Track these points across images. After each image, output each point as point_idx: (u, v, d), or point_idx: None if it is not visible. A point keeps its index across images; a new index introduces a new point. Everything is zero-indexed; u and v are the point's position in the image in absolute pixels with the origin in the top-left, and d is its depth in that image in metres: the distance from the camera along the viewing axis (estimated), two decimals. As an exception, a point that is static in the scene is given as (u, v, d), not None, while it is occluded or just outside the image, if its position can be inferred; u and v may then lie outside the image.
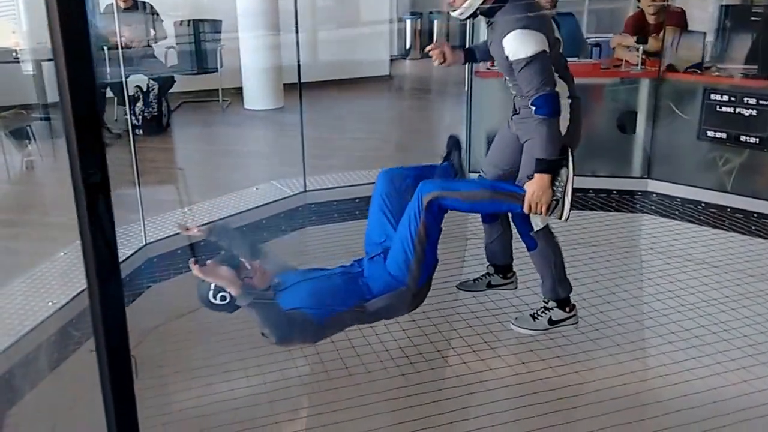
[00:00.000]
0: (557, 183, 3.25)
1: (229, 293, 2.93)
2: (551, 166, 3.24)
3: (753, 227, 5.06)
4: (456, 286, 4.18)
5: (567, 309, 3.74)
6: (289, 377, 3.43)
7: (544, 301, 3.78)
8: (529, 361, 3.57)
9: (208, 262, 3.00)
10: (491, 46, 3.49)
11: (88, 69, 1.21)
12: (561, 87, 3.37)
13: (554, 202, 3.26)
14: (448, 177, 3.74)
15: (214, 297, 2.96)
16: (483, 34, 6.12)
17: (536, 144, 3.27)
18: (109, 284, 1.30)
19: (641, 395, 3.34)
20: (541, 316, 3.75)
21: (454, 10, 3.41)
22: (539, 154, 3.25)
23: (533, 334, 3.72)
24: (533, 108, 3.21)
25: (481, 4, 3.34)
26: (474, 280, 4.18)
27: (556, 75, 3.34)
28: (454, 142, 3.87)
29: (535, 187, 3.25)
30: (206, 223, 3.87)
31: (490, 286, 4.14)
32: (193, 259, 2.95)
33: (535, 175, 3.27)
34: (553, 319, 3.74)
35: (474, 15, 3.42)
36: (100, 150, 1.23)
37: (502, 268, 4.12)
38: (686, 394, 3.31)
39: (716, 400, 3.25)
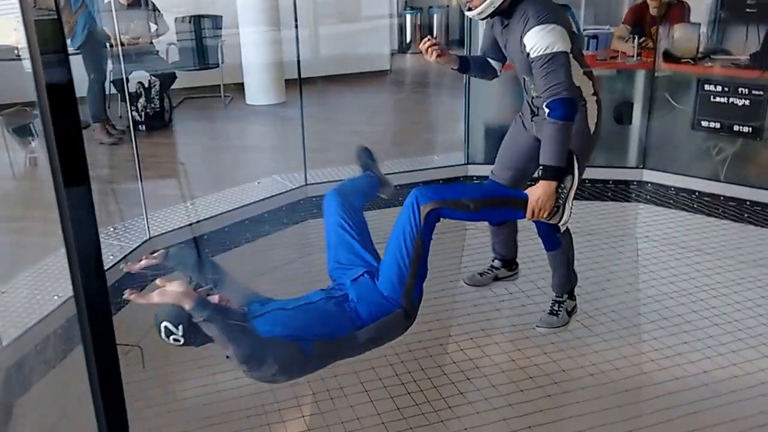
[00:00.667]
0: (561, 189, 3.15)
1: (182, 334, 2.50)
2: (558, 173, 3.13)
3: (745, 215, 5.12)
4: (463, 281, 4.19)
5: (572, 297, 3.82)
6: (290, 365, 3.49)
7: (556, 296, 3.80)
8: (524, 348, 3.64)
9: (158, 280, 2.52)
10: (507, 47, 3.39)
11: (65, 70, 1.19)
12: (585, 84, 3.33)
13: (555, 208, 3.16)
14: (375, 186, 3.52)
15: (167, 337, 2.52)
16: (481, 28, 6.19)
17: (545, 149, 3.15)
18: (94, 284, 1.30)
19: (635, 379, 3.41)
20: (560, 311, 3.77)
21: (470, 9, 3.27)
22: (547, 160, 3.13)
23: (559, 330, 3.74)
24: (547, 110, 3.10)
25: (501, 3, 3.21)
26: (480, 274, 4.17)
27: (580, 71, 3.28)
28: (367, 155, 3.59)
29: (540, 193, 3.11)
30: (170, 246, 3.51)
31: (497, 279, 4.16)
32: (128, 290, 2.47)
33: (540, 181, 3.14)
34: (569, 309, 3.78)
35: (492, 15, 3.29)
36: (80, 151, 1.22)
37: (509, 261, 4.14)
38: (678, 377, 3.39)
39: (707, 383, 3.33)
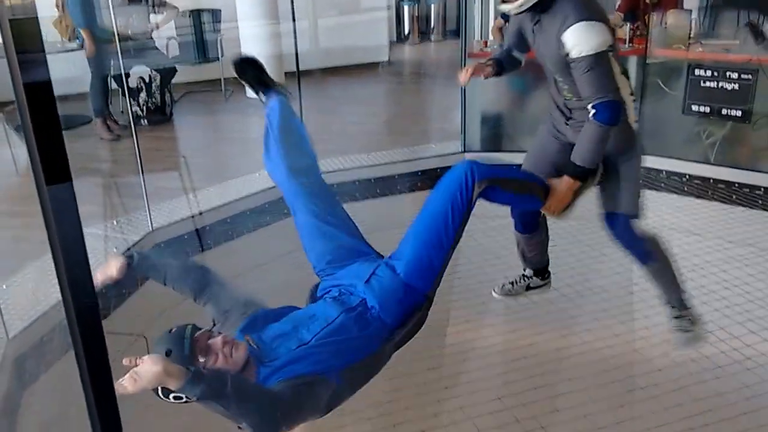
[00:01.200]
0: (581, 190, 3.02)
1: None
2: (586, 175, 2.97)
3: (734, 196, 5.22)
4: (493, 291, 3.87)
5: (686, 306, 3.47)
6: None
7: (676, 312, 3.41)
8: (518, 329, 3.75)
9: (124, 359, 1.93)
10: (539, 46, 3.09)
11: (43, 68, 1.17)
12: (623, 84, 3.00)
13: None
14: (289, 107, 3.13)
15: (165, 397, 1.99)
16: (477, 19, 6.26)
17: (580, 148, 2.95)
18: (81, 285, 1.24)
19: (625, 356, 3.52)
20: (682, 326, 3.38)
21: (504, 2, 2.99)
22: (579, 159, 2.94)
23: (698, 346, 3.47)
24: (592, 111, 2.86)
25: None
26: (511, 283, 3.86)
27: (619, 71, 2.97)
28: (252, 67, 3.30)
29: (564, 189, 2.97)
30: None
31: (529, 288, 3.80)
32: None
33: (565, 176, 2.97)
34: (691, 318, 3.39)
35: (530, 9, 2.97)
36: (61, 149, 1.20)
37: (541, 270, 3.85)
38: (667, 353, 3.49)
39: (695, 358, 3.44)
